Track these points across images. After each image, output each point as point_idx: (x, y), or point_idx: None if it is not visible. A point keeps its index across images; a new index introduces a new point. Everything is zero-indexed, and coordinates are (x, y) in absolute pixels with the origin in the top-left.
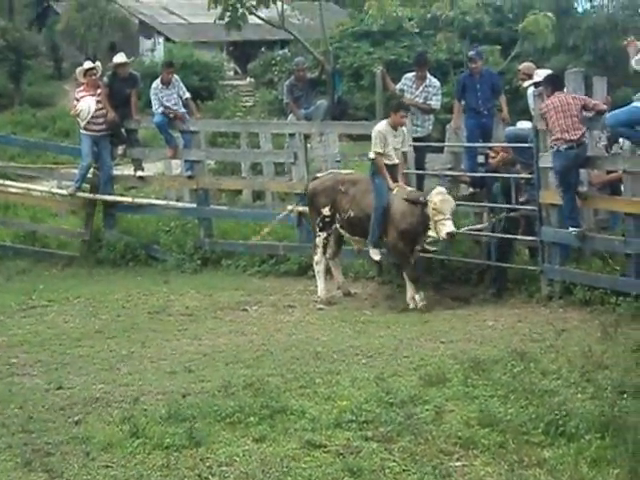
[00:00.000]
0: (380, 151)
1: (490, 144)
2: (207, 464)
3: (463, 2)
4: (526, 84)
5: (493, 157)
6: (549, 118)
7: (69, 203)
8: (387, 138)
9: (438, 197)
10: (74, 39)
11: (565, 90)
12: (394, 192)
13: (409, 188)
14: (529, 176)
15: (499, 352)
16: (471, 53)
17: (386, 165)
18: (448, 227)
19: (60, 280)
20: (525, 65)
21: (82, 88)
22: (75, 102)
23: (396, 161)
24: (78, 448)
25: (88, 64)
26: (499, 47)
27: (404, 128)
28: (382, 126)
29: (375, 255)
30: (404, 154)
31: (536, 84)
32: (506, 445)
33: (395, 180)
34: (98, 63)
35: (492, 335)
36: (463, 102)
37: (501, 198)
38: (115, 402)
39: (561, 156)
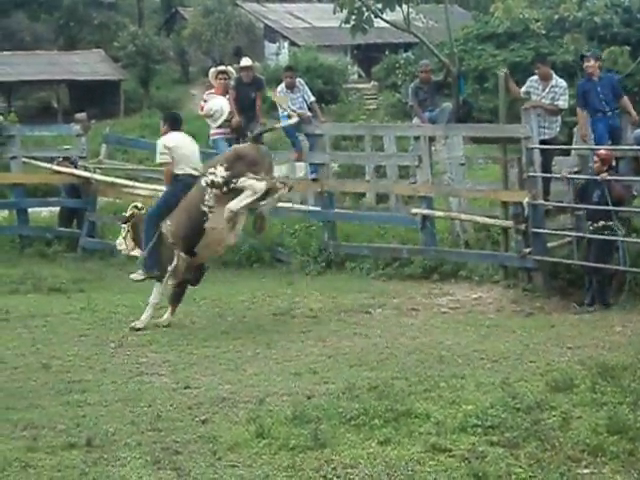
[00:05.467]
0: None
1: (619, 147)
2: (332, 466)
3: (592, 3)
4: None
5: (596, 162)
6: None
7: None
8: None
9: None
10: (201, 44)
11: None
12: None
13: None
14: None
15: (628, 358)
16: (586, 53)
17: None
18: None
19: None
20: None
21: (212, 91)
22: (202, 103)
23: None
24: (205, 447)
25: (222, 67)
26: (628, 48)
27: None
28: None
29: None
30: None
31: None
32: (636, 453)
33: None
34: (231, 67)
35: (620, 341)
36: (585, 111)
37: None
38: (241, 402)
39: None
